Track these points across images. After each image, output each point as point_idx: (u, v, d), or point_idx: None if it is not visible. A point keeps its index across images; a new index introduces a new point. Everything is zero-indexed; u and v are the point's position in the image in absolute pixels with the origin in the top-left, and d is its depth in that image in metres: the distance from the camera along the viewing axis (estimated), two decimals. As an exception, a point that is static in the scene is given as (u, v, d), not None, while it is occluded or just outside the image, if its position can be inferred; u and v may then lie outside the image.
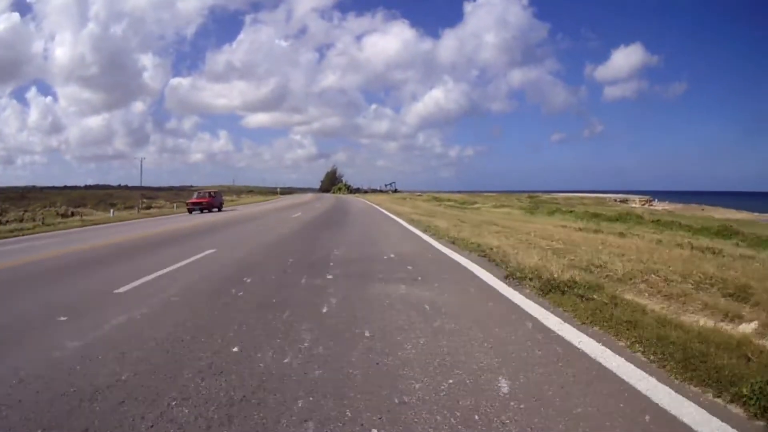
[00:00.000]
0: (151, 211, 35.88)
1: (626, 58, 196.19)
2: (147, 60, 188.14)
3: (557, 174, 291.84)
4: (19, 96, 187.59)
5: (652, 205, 70.95)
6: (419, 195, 69.02)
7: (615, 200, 77.72)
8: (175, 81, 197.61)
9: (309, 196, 78.01)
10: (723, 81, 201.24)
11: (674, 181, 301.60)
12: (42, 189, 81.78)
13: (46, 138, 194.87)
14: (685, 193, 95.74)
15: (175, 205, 46.32)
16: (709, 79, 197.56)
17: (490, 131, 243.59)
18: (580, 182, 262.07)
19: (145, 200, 68.06)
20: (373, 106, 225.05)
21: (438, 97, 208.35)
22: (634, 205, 67.25)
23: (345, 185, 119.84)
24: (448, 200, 52.09)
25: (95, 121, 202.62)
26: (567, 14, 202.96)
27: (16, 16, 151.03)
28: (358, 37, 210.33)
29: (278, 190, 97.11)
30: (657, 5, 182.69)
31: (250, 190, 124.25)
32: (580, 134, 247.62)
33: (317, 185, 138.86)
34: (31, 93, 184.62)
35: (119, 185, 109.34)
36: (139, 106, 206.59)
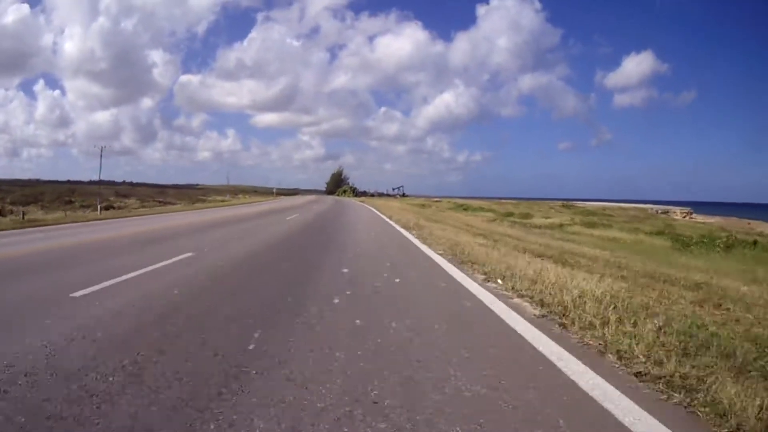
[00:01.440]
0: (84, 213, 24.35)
1: (637, 65, 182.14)
2: (157, 56, 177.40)
3: (565, 181, 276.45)
4: (27, 89, 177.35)
5: (692, 218, 58.36)
6: (437, 201, 55.29)
7: (657, 212, 64.99)
8: (185, 78, 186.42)
9: (306, 198, 65.07)
10: (730, 91, 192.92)
11: (679, 190, 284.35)
12: (42, 182, 71.35)
13: (53, 132, 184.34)
14: (695, 203, 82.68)
15: (103, 206, 34.27)
16: (717, 89, 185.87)
17: (498, 136, 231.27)
18: (589, 190, 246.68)
19: (112, 198, 55.38)
20: (383, 109, 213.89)
21: (448, 101, 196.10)
22: (675, 218, 55.00)
23: (350, 188, 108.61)
24: (480, 208, 38.25)
25: (103, 117, 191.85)
26: (580, 20, 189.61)
27: (25, 7, 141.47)
28: (371, 38, 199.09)
29: (274, 190, 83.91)
30: (668, 14, 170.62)
31: (255, 190, 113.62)
32: (589, 141, 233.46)
33: (324, 187, 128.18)
34: (39, 86, 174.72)
35: (123, 181, 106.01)
36: (147, 103, 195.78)
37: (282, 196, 78.85)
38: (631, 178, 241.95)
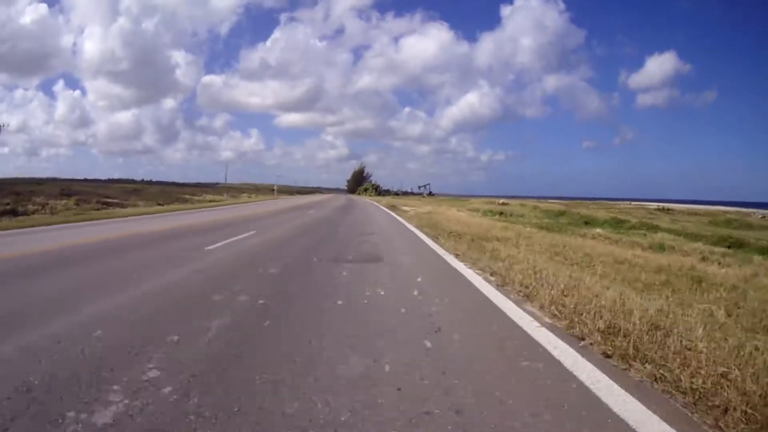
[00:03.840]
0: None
1: (660, 65, 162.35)
2: (179, 57, 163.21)
3: (589, 180, 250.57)
4: (47, 89, 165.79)
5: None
6: (504, 203, 35.42)
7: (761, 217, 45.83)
8: (208, 78, 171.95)
9: (311, 199, 47.21)
10: (750, 93, 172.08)
11: (693, 189, 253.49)
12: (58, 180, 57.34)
13: (73, 131, 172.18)
14: (719, 203, 68.61)
15: None
16: (738, 90, 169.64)
17: (522, 136, 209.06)
18: (613, 189, 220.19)
19: (40, 198, 38.76)
20: (407, 109, 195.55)
21: (472, 101, 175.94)
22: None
23: (372, 185, 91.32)
24: (610, 223, 18.51)
25: (124, 117, 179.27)
26: (603, 20, 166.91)
27: (43, 7, 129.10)
28: (396, 38, 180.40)
29: (275, 188, 65.77)
30: (691, 15, 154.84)
31: (271, 189, 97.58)
32: (612, 141, 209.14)
33: (345, 185, 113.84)
34: (59, 86, 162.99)
35: (142, 180, 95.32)
36: (169, 103, 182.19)
37: (297, 195, 61.44)
38: (655, 178, 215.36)
